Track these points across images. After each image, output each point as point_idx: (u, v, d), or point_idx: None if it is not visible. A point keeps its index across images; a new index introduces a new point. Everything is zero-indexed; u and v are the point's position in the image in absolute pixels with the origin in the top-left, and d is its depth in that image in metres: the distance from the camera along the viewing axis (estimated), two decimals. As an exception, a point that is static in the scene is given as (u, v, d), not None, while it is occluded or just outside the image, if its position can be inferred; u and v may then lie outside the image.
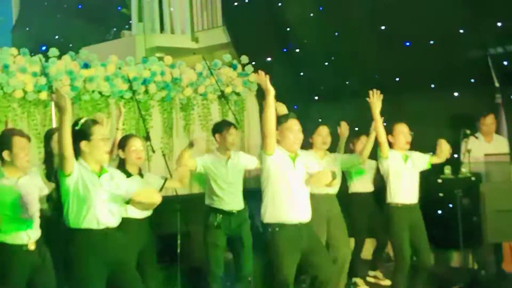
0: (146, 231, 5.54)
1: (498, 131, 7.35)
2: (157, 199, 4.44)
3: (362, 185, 7.30)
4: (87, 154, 4.30)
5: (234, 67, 8.82)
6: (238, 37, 9.57)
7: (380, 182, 6.49)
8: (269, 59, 9.03)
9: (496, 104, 7.38)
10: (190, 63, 8.75)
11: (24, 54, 7.16)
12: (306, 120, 5.22)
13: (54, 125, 6.93)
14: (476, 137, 7.12)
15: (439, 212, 7.42)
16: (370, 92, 5.90)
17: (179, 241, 6.11)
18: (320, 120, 6.89)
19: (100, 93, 7.62)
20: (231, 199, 6.05)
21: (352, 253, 6.65)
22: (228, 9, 9.88)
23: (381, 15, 7.74)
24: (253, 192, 6.24)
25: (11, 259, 4.60)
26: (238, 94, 8.84)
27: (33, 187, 4.81)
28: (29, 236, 4.67)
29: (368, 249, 7.67)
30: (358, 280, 7.18)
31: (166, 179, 5.81)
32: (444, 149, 6.12)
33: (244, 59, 8.83)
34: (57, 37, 11.84)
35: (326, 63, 8.48)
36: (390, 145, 6.10)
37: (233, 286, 6.21)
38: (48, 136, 5.72)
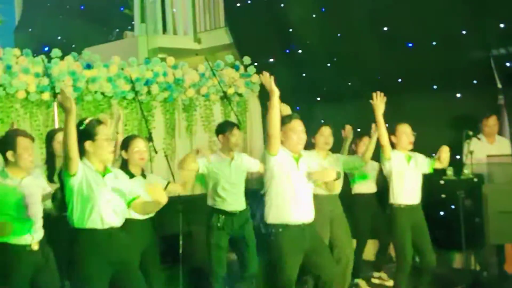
0: (148, 231, 5.54)
1: (500, 133, 7.35)
2: (164, 200, 4.43)
3: (365, 186, 7.30)
4: (92, 154, 4.31)
5: (236, 68, 8.82)
6: (240, 38, 9.57)
7: (383, 183, 6.48)
8: (271, 60, 9.03)
9: (498, 105, 7.37)
10: (193, 64, 8.76)
11: (26, 54, 7.17)
12: (308, 120, 5.22)
13: (57, 125, 6.94)
14: (479, 138, 7.12)
15: (442, 213, 7.42)
16: (374, 94, 5.89)
17: (181, 242, 6.11)
18: (322, 121, 6.88)
19: (102, 93, 7.63)
20: (234, 200, 6.06)
21: (354, 254, 6.65)
22: (230, 10, 9.89)
23: (384, 16, 7.74)
24: (253, 192, 6.27)
25: (15, 259, 4.60)
26: (240, 95, 8.85)
27: (37, 187, 4.82)
28: (32, 236, 4.67)
29: (369, 250, 7.66)
30: (360, 281, 7.17)
31: (168, 183, 5.81)
32: (443, 157, 6.10)
33: (247, 60, 8.84)
34: (59, 37, 11.85)
35: (329, 64, 8.48)
36: (393, 145, 6.10)
37: (235, 287, 6.21)
38: (50, 137, 5.73)
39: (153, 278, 5.41)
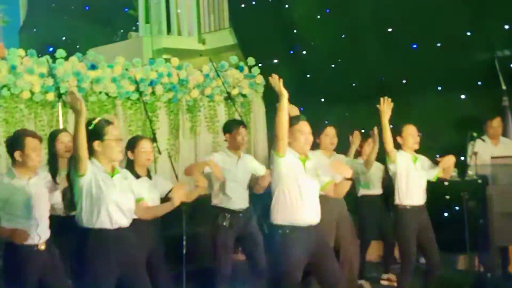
0: (155, 232, 5.53)
1: (505, 134, 7.33)
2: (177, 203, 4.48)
3: (371, 188, 7.29)
4: (100, 154, 4.31)
5: (240, 69, 8.83)
6: (244, 39, 9.58)
7: (389, 184, 6.48)
8: (275, 61, 9.04)
9: (503, 106, 7.36)
10: (197, 64, 8.78)
11: (31, 55, 7.18)
12: (312, 121, 5.22)
13: (61, 126, 6.95)
14: (483, 140, 7.11)
15: (446, 214, 7.41)
16: (381, 99, 5.87)
17: (184, 243, 6.11)
18: (326, 122, 6.88)
19: (107, 94, 7.65)
20: (239, 198, 6.07)
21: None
22: (235, 11, 9.89)
23: (388, 17, 7.74)
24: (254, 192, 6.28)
25: (22, 259, 4.61)
26: (244, 95, 8.85)
27: (44, 187, 4.83)
28: (39, 236, 4.69)
29: (373, 251, 7.66)
30: (364, 283, 7.16)
31: (173, 187, 5.77)
32: (447, 166, 6.07)
33: (251, 61, 8.85)
34: (64, 38, 11.86)
35: (333, 65, 8.48)
36: (399, 146, 6.09)
37: (237, 287, 6.22)
38: (52, 138, 5.73)
39: (159, 278, 5.41)
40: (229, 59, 8.79)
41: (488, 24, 7.10)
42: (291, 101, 5.71)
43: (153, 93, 8.04)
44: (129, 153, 5.49)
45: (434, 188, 6.35)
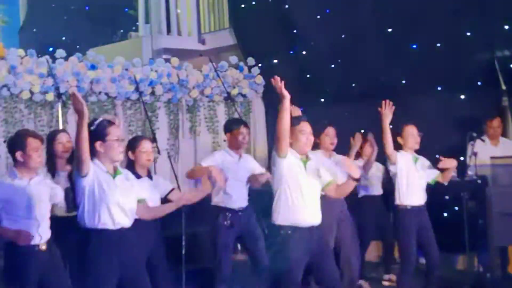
0: (155, 232, 5.54)
1: (504, 134, 7.33)
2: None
3: (371, 188, 7.29)
4: (102, 154, 4.30)
5: (240, 69, 8.83)
6: (244, 39, 9.57)
7: (389, 185, 6.48)
8: (275, 61, 9.04)
9: (502, 107, 7.37)
10: (197, 65, 8.78)
11: (31, 55, 7.19)
12: (312, 122, 5.22)
13: (61, 126, 6.95)
14: (483, 140, 7.10)
15: (445, 214, 7.41)
16: (383, 102, 5.87)
17: (184, 242, 6.11)
18: (326, 122, 6.88)
19: (106, 94, 7.65)
20: (239, 196, 6.08)
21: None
22: (235, 11, 9.88)
23: (388, 17, 7.74)
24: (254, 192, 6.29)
25: (23, 259, 4.61)
26: (244, 96, 8.86)
27: (45, 187, 4.84)
28: (40, 236, 4.69)
29: (373, 252, 7.66)
30: (363, 283, 7.16)
31: (173, 189, 5.78)
32: (447, 166, 6.08)
33: (251, 61, 8.86)
34: (64, 38, 11.83)
35: (333, 66, 8.48)
36: (400, 146, 6.09)
37: (237, 287, 6.22)
38: (50, 138, 5.73)
39: (159, 278, 5.41)
40: (229, 59, 8.79)
41: (488, 24, 7.09)
42: (291, 101, 5.73)
43: (152, 93, 8.04)
44: (129, 153, 5.48)
45: (434, 189, 6.36)
